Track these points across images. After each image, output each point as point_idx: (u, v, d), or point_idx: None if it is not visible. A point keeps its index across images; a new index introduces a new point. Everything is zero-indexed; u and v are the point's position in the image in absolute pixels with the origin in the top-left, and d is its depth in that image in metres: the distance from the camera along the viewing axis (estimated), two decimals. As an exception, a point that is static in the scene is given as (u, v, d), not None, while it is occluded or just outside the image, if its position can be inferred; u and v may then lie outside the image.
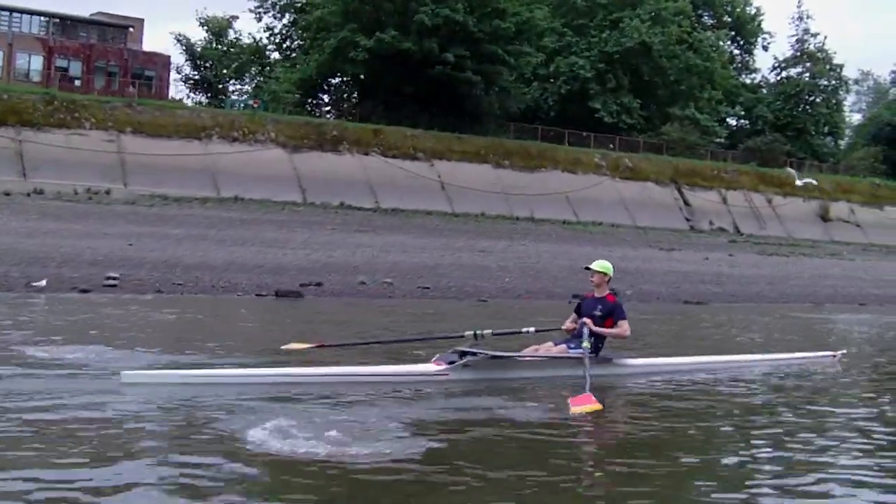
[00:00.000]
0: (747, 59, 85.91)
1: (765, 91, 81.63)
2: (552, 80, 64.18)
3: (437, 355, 9.55)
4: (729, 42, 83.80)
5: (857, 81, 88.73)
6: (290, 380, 8.72)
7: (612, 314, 10.10)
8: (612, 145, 59.45)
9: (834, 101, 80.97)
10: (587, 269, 10.38)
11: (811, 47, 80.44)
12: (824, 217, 60.30)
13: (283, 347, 10.71)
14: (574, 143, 58.49)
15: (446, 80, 52.89)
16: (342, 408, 7.68)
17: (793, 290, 33.21)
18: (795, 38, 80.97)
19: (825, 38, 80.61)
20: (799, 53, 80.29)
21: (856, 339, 18.37)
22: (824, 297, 32.05)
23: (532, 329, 10.92)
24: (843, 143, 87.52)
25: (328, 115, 59.84)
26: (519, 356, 9.88)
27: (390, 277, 25.61)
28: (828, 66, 79.74)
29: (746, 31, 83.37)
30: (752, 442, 7.25)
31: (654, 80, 66.45)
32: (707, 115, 67.55)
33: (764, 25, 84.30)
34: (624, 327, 10.14)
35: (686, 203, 55.30)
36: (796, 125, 76.68)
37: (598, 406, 8.04)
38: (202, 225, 33.91)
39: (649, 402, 9.03)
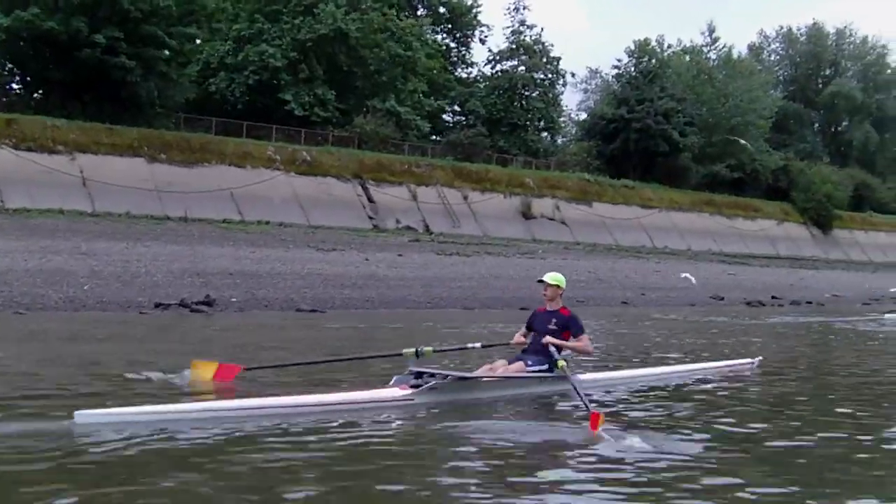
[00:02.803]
0: (463, 52, 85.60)
1: (482, 85, 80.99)
2: (240, 70, 61.18)
3: (395, 378, 9.69)
4: (444, 35, 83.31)
5: (571, 75, 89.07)
6: (251, 413, 8.54)
7: (567, 328, 10.51)
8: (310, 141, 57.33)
9: (551, 96, 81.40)
10: (540, 281, 10.75)
11: (527, 39, 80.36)
12: (526, 214, 59.68)
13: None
14: (259, 137, 55.91)
15: (98, 66, 48.99)
16: (320, 440, 7.74)
17: (451, 293, 31.37)
18: (511, 29, 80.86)
19: (542, 29, 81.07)
20: (514, 46, 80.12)
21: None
22: (484, 301, 30.32)
23: (478, 344, 11.29)
24: (564, 140, 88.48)
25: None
26: (484, 377, 10.06)
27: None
28: (544, 60, 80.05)
29: (462, 23, 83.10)
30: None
31: (353, 71, 64.78)
32: (409, 108, 65.95)
33: (481, 17, 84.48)
34: (585, 341, 10.65)
35: (370, 200, 53.38)
36: (510, 120, 76.66)
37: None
38: None
39: (628, 414, 9.54)
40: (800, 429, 9.16)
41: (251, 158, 50.94)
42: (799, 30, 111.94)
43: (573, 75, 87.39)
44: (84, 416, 7.82)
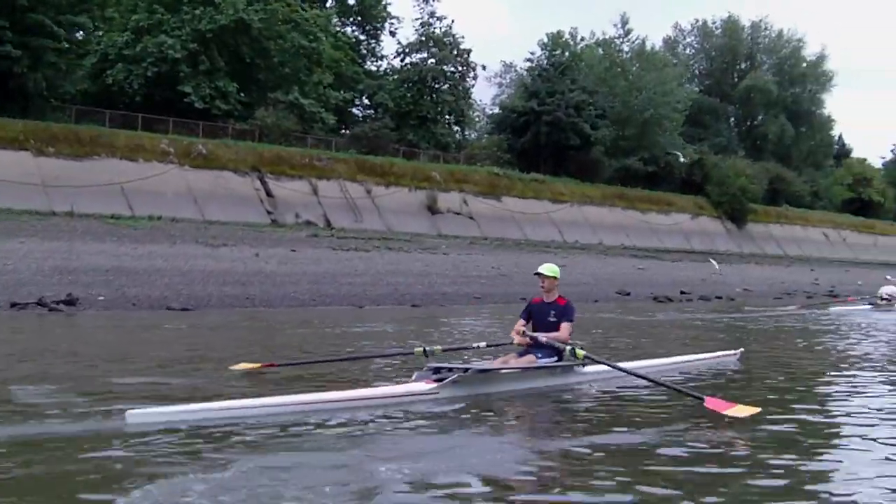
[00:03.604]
0: (373, 45, 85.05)
1: (391, 78, 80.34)
2: (139, 62, 59.81)
3: (416, 374, 10.17)
4: (353, 27, 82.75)
5: (482, 68, 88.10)
6: (287, 409, 8.86)
7: (564, 316, 10.94)
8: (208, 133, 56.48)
9: (461, 89, 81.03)
10: (537, 274, 11.15)
11: (437, 31, 79.94)
12: (432, 208, 59.20)
13: (231, 368, 11.35)
14: (156, 130, 54.89)
15: (-17, 56, 47.74)
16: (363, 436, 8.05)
17: (340, 290, 30.97)
18: (420, 21, 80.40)
19: (452, 21, 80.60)
20: (424, 38, 79.63)
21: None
22: (374, 298, 30.03)
23: (483, 343, 11.81)
24: (477, 134, 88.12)
25: None
26: (505, 369, 10.48)
27: None
28: (454, 52, 79.65)
29: (371, 15, 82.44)
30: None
31: (256, 62, 63.89)
32: (313, 101, 65.20)
33: (391, 9, 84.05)
34: (564, 331, 10.80)
35: (269, 194, 52.48)
36: (419, 113, 76.13)
37: (754, 409, 8.95)
38: None
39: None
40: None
41: (143, 151, 49.75)
42: (714, 23, 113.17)
43: (484, 68, 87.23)
44: (136, 415, 8.12)
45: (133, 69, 59.89)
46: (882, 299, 33.14)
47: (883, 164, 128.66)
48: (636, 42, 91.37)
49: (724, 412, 8.76)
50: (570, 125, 73.04)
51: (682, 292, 41.21)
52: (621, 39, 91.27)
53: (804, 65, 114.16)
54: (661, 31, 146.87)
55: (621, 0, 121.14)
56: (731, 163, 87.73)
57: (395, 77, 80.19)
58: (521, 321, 11.08)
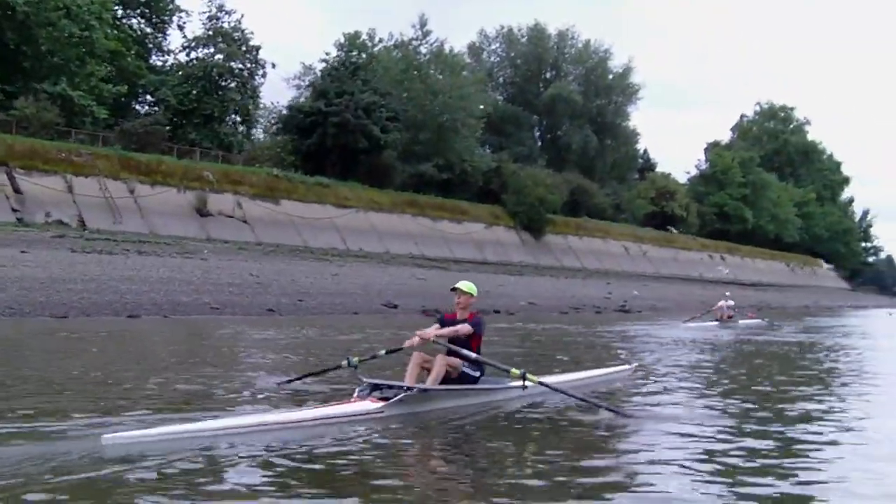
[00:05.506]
0: (160, 39, 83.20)
1: (176, 74, 78.37)
2: None
3: (357, 390, 10.42)
4: (139, 19, 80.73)
5: (272, 66, 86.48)
6: (231, 432, 8.79)
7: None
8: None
9: (249, 87, 79.76)
10: (453, 289, 11.35)
11: (226, 26, 78.48)
12: (201, 211, 57.68)
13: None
14: None
15: None
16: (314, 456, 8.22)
17: (49, 298, 27.94)
18: (208, 14, 79.03)
19: (242, 16, 79.08)
20: (211, 32, 78.10)
21: None
22: (84, 308, 27.55)
23: (382, 351, 12.03)
24: (268, 135, 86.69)
25: None
26: (446, 389, 10.81)
27: None
28: (243, 48, 78.27)
29: (159, 7, 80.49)
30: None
31: (22, 50, 61.40)
32: (84, 93, 62.97)
33: (179, 2, 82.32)
34: (461, 327, 11.01)
35: (17, 190, 50.10)
36: (203, 111, 74.73)
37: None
38: None
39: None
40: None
41: None
42: (520, 30, 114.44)
43: (273, 66, 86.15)
44: (111, 439, 8.07)
45: None
46: (726, 316, 39.22)
47: (688, 180, 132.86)
48: (435, 44, 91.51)
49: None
50: (359, 127, 72.29)
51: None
52: (419, 41, 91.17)
53: (610, 76, 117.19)
54: (467, 38, 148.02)
55: (430, 2, 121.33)
56: (531, 172, 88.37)
57: (180, 73, 78.37)
58: (436, 327, 11.26)
